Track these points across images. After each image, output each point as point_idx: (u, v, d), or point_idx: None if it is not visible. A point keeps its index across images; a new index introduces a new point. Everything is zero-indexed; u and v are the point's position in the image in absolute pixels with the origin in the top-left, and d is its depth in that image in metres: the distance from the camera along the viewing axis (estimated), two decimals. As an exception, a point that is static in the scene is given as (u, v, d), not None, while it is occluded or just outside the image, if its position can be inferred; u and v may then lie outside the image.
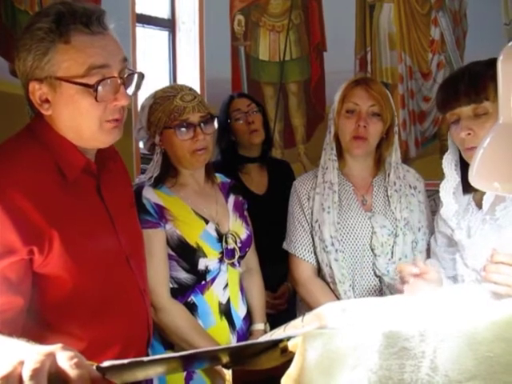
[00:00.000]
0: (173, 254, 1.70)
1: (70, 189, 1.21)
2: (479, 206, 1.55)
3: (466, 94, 1.46)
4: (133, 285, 1.35)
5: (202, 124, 1.71)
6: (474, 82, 1.45)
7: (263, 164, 2.47)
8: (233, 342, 1.72)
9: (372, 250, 1.81)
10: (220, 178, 1.92)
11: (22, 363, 0.73)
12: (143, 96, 1.81)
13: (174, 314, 1.66)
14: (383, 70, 3.88)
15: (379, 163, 1.90)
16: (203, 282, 1.71)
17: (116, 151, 1.38)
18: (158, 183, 1.74)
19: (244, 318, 1.80)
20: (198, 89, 3.14)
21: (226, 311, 1.74)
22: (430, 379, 0.75)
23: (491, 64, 1.30)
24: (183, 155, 1.72)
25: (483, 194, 1.53)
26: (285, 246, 1.93)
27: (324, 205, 1.82)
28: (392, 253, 1.81)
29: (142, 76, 1.27)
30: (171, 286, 1.70)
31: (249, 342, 1.33)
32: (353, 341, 0.79)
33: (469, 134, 1.46)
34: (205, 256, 1.70)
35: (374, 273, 1.81)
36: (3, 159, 1.17)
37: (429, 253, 1.77)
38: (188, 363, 0.92)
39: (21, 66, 1.19)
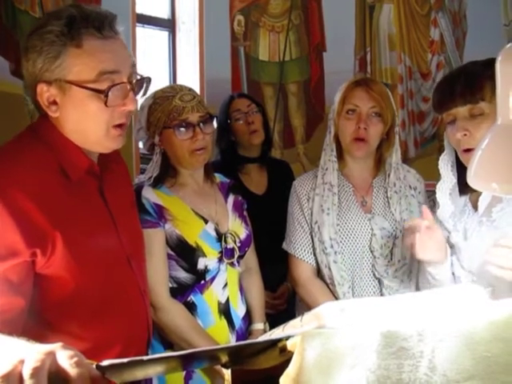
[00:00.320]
0: (172, 253, 1.70)
1: (73, 189, 1.22)
2: (476, 207, 1.54)
3: (461, 95, 1.45)
4: (133, 285, 1.36)
5: (201, 124, 1.71)
6: (470, 83, 1.44)
7: (263, 164, 2.48)
8: (232, 341, 1.72)
9: (371, 251, 1.81)
10: (219, 177, 1.92)
11: (22, 362, 0.73)
12: (143, 96, 1.82)
13: (173, 313, 1.66)
14: (383, 71, 3.88)
15: (379, 164, 1.89)
16: (202, 282, 1.72)
17: (118, 152, 1.39)
18: (157, 183, 1.74)
19: (243, 318, 1.80)
20: (197, 89, 3.15)
21: (225, 311, 1.74)
22: (428, 379, 0.75)
23: (489, 64, 1.30)
24: (182, 155, 1.72)
25: (480, 195, 1.52)
26: (284, 246, 1.93)
27: (323, 206, 1.82)
28: (391, 255, 1.81)
29: (149, 81, 1.28)
30: (170, 285, 1.70)
31: (247, 341, 1.34)
32: (351, 340, 0.79)
33: (465, 134, 1.45)
34: (204, 255, 1.70)
35: (374, 275, 1.81)
36: (6, 159, 1.17)
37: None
38: (187, 362, 0.93)
39: (29, 68, 1.18)
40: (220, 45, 3.43)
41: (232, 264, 1.77)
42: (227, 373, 1.00)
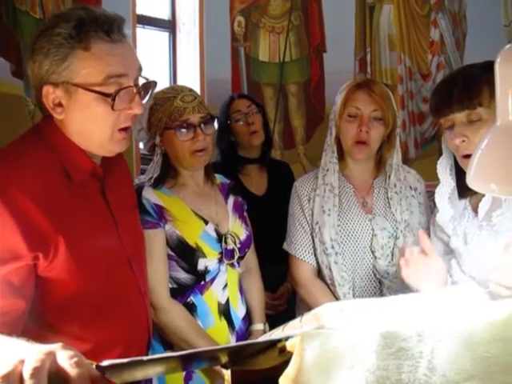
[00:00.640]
0: (172, 254, 1.70)
1: (75, 190, 1.22)
2: (476, 211, 1.52)
3: (459, 100, 1.42)
4: (134, 286, 1.36)
5: (202, 125, 1.71)
6: (468, 87, 1.41)
7: (263, 165, 2.48)
8: (232, 342, 1.72)
9: (372, 252, 1.81)
10: (219, 178, 1.92)
11: (22, 362, 0.74)
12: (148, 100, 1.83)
13: (173, 314, 1.66)
14: (383, 71, 3.88)
15: (380, 165, 1.89)
16: (202, 283, 1.72)
17: (121, 154, 1.39)
18: (157, 184, 1.74)
19: (243, 319, 1.80)
20: (198, 89, 3.15)
21: (225, 311, 1.74)
22: (427, 379, 0.76)
23: (487, 67, 1.28)
24: (183, 156, 1.73)
25: (479, 198, 1.50)
26: (285, 246, 1.93)
27: (324, 207, 1.82)
28: (392, 255, 1.81)
29: (155, 85, 1.28)
30: (171, 286, 1.70)
31: (247, 341, 1.34)
32: (350, 341, 0.80)
33: (463, 140, 1.43)
34: (204, 256, 1.70)
35: (374, 275, 1.81)
36: (9, 160, 1.17)
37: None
38: (187, 363, 0.93)
39: (36, 69, 1.18)
40: (220, 46, 3.43)
41: (232, 265, 1.77)
42: (227, 373, 1.00)
